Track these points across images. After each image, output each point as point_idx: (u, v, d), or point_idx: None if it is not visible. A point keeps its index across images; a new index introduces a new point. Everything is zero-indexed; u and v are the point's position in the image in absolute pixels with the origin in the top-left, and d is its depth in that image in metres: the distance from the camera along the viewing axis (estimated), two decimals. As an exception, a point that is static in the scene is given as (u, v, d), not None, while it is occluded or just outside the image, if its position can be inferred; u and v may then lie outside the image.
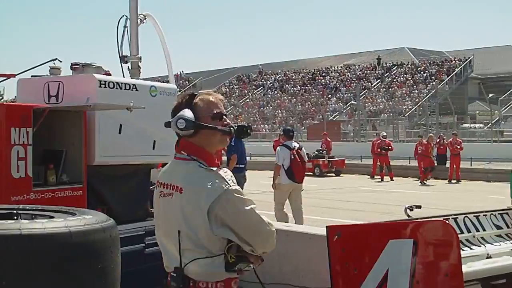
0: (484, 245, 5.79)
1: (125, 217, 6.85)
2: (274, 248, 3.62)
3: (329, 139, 36.42)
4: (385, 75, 64.65)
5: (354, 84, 63.07)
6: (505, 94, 51.59)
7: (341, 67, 71.48)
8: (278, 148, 14.18)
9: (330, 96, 64.29)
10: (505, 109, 50.02)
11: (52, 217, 3.53)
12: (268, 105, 66.83)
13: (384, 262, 4.69)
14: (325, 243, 5.22)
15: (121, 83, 7.22)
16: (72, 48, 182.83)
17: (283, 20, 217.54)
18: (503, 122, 47.63)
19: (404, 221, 5.46)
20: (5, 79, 8.24)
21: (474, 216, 6.00)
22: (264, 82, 74.14)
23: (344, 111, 59.17)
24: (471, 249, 5.68)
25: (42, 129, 6.63)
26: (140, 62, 8.59)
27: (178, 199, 3.44)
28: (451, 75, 59.50)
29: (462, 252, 4.64)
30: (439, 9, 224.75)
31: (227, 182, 3.41)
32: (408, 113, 53.45)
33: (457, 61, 62.29)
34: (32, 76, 7.66)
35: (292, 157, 13.54)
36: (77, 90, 6.96)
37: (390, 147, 31.48)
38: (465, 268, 4.63)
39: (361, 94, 57.72)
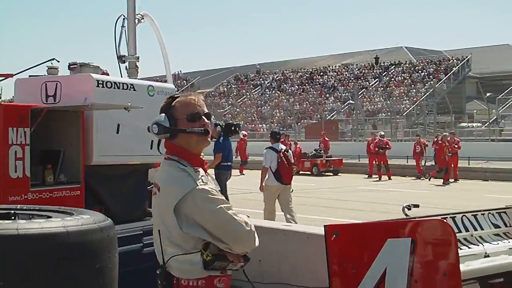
0: (482, 244, 5.79)
1: (123, 217, 6.84)
2: (255, 248, 3.68)
3: (327, 139, 36.46)
4: (383, 74, 64.69)
5: (352, 83, 63.13)
6: (503, 93, 51.65)
7: (339, 66, 71.51)
8: (265, 150, 14.48)
9: (328, 95, 64.32)
10: (502, 108, 50.04)
11: (50, 217, 3.52)
12: (266, 104, 66.86)
13: (382, 261, 4.69)
14: (323, 242, 5.21)
15: (119, 83, 7.21)
16: (70, 48, 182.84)
17: (281, 19, 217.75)
18: (502, 121, 47.65)
19: (402, 220, 5.46)
20: (3, 79, 8.24)
21: (472, 215, 6.00)
22: (262, 81, 74.17)
23: (342, 110, 59.21)
24: (469, 248, 5.68)
25: (40, 129, 6.62)
26: (138, 61, 8.59)
27: (157, 198, 3.59)
28: (448, 74, 59.57)
29: (460, 251, 4.65)
30: (436, 8, 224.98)
31: (196, 182, 3.46)
32: (406, 112, 53.50)
33: (454, 60, 62.36)
34: (29, 76, 7.65)
35: (279, 160, 13.83)
36: (75, 90, 6.96)
37: (388, 146, 31.51)
38: (463, 267, 4.64)
39: (359, 94, 57.75)
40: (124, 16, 8.52)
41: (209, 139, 3.66)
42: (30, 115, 6.48)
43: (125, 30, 8.51)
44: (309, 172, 33.96)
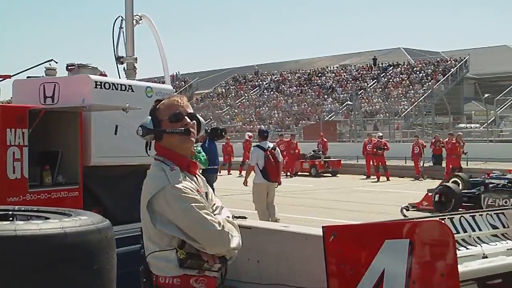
0: (480, 245, 5.80)
1: (121, 218, 6.84)
2: (232, 249, 3.61)
3: (325, 140, 36.48)
4: (381, 75, 64.70)
5: (350, 84, 63.12)
6: (501, 94, 51.63)
7: (337, 67, 71.52)
8: (252, 149, 14.91)
9: (326, 96, 64.32)
10: (500, 109, 50.07)
11: (48, 218, 3.52)
12: (264, 105, 66.85)
13: (380, 262, 4.70)
14: (321, 243, 5.22)
15: (117, 84, 7.22)
16: (68, 49, 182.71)
17: (279, 20, 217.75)
18: (503, 122, 47.69)
19: (400, 221, 5.47)
20: (1, 80, 8.23)
21: (470, 216, 6.01)
22: (260, 82, 74.14)
23: (340, 111, 59.22)
24: (467, 249, 5.69)
25: (38, 130, 6.62)
26: (136, 63, 8.59)
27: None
28: (447, 75, 59.58)
29: (458, 252, 4.65)
30: (434, 10, 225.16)
31: (169, 180, 3.52)
32: (404, 113, 53.52)
33: (452, 61, 62.39)
34: (27, 77, 7.65)
35: (266, 158, 14.04)
36: (73, 91, 6.96)
37: (386, 147, 31.51)
38: (461, 268, 4.64)
39: (357, 95, 57.75)
40: (122, 17, 8.52)
41: (192, 139, 3.71)
42: (28, 116, 6.48)
43: (123, 31, 8.51)
44: (308, 173, 33.97)
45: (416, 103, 54.71)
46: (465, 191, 17.53)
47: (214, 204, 3.78)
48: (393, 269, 4.62)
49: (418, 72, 62.04)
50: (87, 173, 6.99)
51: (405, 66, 64.55)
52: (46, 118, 6.71)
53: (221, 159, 34.50)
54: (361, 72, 67.28)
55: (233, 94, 73.51)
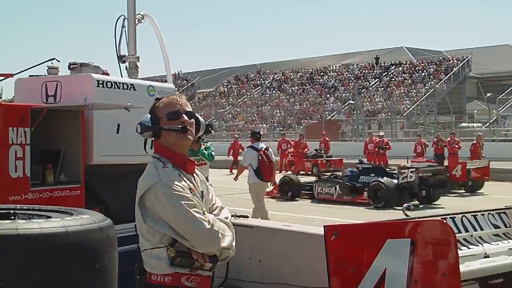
0: (481, 244, 5.79)
1: (123, 216, 6.83)
2: (224, 248, 3.62)
3: (327, 139, 36.47)
4: (383, 74, 64.72)
5: (352, 83, 63.14)
6: (503, 94, 51.69)
7: (339, 66, 71.54)
8: (245, 149, 15.22)
9: (328, 95, 64.36)
10: (503, 108, 50.05)
11: (49, 217, 3.52)
12: (266, 104, 66.89)
13: (382, 261, 4.69)
14: (323, 242, 5.21)
15: (119, 83, 7.22)
16: (70, 47, 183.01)
17: (281, 19, 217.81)
18: (507, 122, 47.65)
19: (402, 220, 5.46)
20: (3, 79, 8.24)
21: (471, 215, 6.00)
22: (262, 81, 74.19)
23: (342, 110, 59.23)
24: (468, 248, 5.68)
25: (40, 128, 6.63)
26: (138, 61, 8.58)
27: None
28: (449, 75, 59.61)
29: (460, 252, 4.65)
30: (437, 9, 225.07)
31: (160, 177, 3.55)
32: (406, 113, 53.50)
33: (455, 61, 62.40)
34: (30, 75, 7.65)
35: (260, 158, 14.36)
36: (75, 90, 6.96)
37: (388, 146, 31.46)
38: (462, 268, 4.64)
39: (359, 94, 57.74)
40: (124, 16, 8.52)
41: (189, 137, 3.73)
42: (30, 115, 6.48)
43: (125, 30, 8.50)
44: (310, 172, 33.95)
45: (418, 102, 54.73)
46: (306, 181, 23.07)
47: (214, 204, 3.78)
48: (394, 269, 4.61)
49: (420, 71, 62.04)
50: (89, 171, 6.99)
51: (408, 65, 64.57)
52: (48, 117, 6.72)
53: (226, 157, 34.60)
54: (363, 71, 67.30)
55: (235, 93, 73.56)
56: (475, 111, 55.97)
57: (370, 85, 63.39)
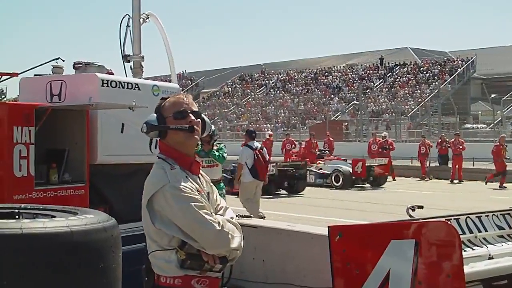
0: (486, 245, 5.78)
1: (127, 216, 6.84)
2: (233, 249, 3.58)
3: (331, 139, 36.41)
4: (388, 75, 64.62)
5: (357, 84, 63.05)
6: (508, 95, 51.61)
7: (343, 67, 71.46)
8: (242, 148, 15.07)
9: (332, 96, 64.29)
10: (507, 109, 49.97)
11: (54, 217, 3.53)
12: (270, 104, 66.84)
13: (386, 262, 4.69)
14: (327, 243, 5.22)
15: (124, 82, 7.22)
16: (75, 47, 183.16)
17: (286, 20, 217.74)
18: (510, 123, 47.62)
19: (406, 221, 5.45)
20: (7, 78, 8.25)
21: (476, 216, 6.00)
22: (267, 81, 74.15)
23: (347, 111, 59.18)
24: (473, 249, 5.68)
25: (44, 128, 6.63)
26: (143, 61, 8.59)
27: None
28: (453, 75, 59.49)
29: (464, 253, 4.64)
30: (441, 9, 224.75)
31: (168, 179, 3.50)
32: (410, 113, 53.44)
33: (459, 61, 62.27)
34: (34, 75, 7.66)
35: (256, 157, 14.41)
36: (80, 89, 6.97)
37: (391, 147, 31.40)
38: (467, 269, 4.63)
39: (363, 94, 57.70)
40: (129, 15, 8.53)
41: (196, 136, 3.69)
42: (35, 114, 6.49)
43: (130, 30, 8.51)
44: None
45: (422, 103, 54.65)
46: None
47: (219, 204, 3.76)
48: (399, 269, 4.61)
49: (425, 72, 61.94)
50: (94, 171, 7.00)
51: (412, 65, 64.45)
52: (53, 116, 6.72)
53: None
54: (368, 71, 67.21)
55: (239, 93, 73.54)
56: (480, 112, 55.89)
57: (375, 85, 63.31)
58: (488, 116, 50.84)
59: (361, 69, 68.61)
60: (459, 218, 5.85)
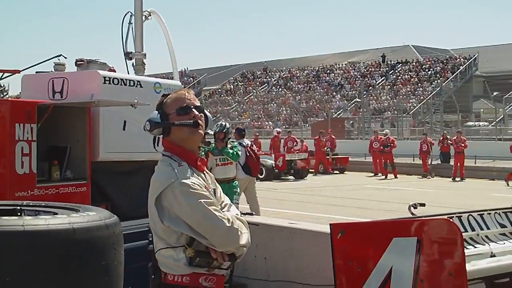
0: (488, 243, 5.77)
1: (129, 213, 6.85)
2: (241, 246, 3.58)
3: (333, 137, 36.42)
4: (390, 72, 64.57)
5: (359, 81, 63.03)
6: (510, 92, 51.52)
7: (345, 64, 71.39)
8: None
9: (334, 93, 64.26)
10: (509, 107, 49.92)
11: (56, 214, 3.52)
12: (272, 102, 66.81)
13: (388, 260, 4.68)
14: (329, 240, 5.21)
15: (126, 80, 7.22)
16: (77, 44, 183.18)
17: (288, 17, 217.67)
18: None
19: (408, 219, 5.44)
20: (9, 75, 8.25)
21: (478, 214, 5.98)
22: (269, 79, 74.10)
23: (349, 108, 59.15)
24: (475, 247, 5.66)
25: (46, 125, 6.63)
26: (145, 58, 8.59)
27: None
28: (455, 73, 59.45)
29: (466, 251, 4.63)
30: (444, 7, 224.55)
31: (177, 175, 3.47)
32: (412, 111, 53.41)
33: (461, 59, 62.24)
34: (36, 72, 7.66)
35: (248, 154, 14.41)
36: (82, 87, 6.97)
37: (392, 144, 31.40)
38: (469, 267, 4.62)
39: (365, 92, 57.67)
40: (131, 13, 8.52)
41: (200, 131, 3.67)
42: (37, 111, 6.49)
43: (132, 27, 8.51)
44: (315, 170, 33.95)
45: (424, 101, 54.60)
46: None
47: (223, 201, 3.74)
48: (401, 267, 4.60)
49: (427, 70, 61.91)
50: (95, 168, 7.00)
51: (414, 63, 64.42)
52: (55, 113, 6.72)
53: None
54: (370, 69, 67.16)
55: (241, 91, 73.50)
56: (482, 110, 55.85)
57: (377, 83, 63.28)
58: (490, 114, 50.76)
59: (363, 67, 68.55)
60: (461, 216, 5.84)
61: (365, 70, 67.25)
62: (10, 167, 6.24)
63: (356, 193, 23.26)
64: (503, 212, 6.16)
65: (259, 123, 59.89)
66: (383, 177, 30.59)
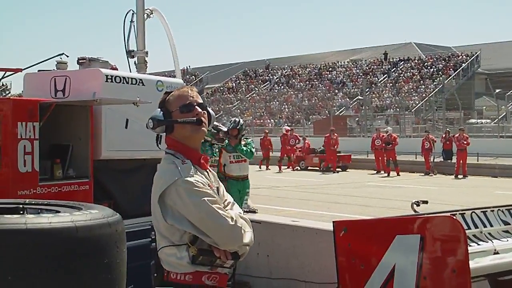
0: (491, 240, 5.75)
1: (132, 211, 6.85)
2: (245, 244, 3.57)
3: (336, 134, 36.39)
4: (392, 70, 64.52)
5: (361, 79, 62.97)
6: (512, 90, 51.43)
7: (347, 62, 71.35)
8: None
9: (336, 91, 64.21)
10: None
11: (58, 212, 3.52)
12: (274, 100, 66.79)
13: (391, 257, 4.68)
14: (331, 238, 5.21)
15: (128, 78, 7.22)
16: (79, 42, 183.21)
17: (290, 14, 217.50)
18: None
19: (411, 216, 5.43)
20: (12, 74, 8.26)
21: (481, 211, 5.97)
22: (271, 77, 74.08)
23: (351, 106, 59.11)
24: (478, 244, 5.64)
25: (48, 123, 6.64)
26: (147, 56, 8.59)
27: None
28: (458, 70, 59.36)
29: (469, 248, 4.62)
30: (446, 4, 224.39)
31: (181, 173, 3.46)
32: (414, 108, 53.37)
33: (464, 56, 62.15)
34: (39, 70, 7.66)
35: None
36: (84, 85, 6.97)
37: (394, 142, 31.36)
38: (472, 264, 4.61)
39: (367, 89, 57.63)
40: (133, 11, 8.53)
41: (204, 129, 3.66)
42: (39, 110, 6.49)
43: (134, 25, 8.52)
44: (318, 168, 33.92)
45: (427, 98, 54.54)
46: None
47: (226, 199, 3.73)
48: (404, 265, 4.60)
49: (429, 67, 61.84)
50: (98, 166, 7.00)
51: (416, 61, 64.33)
52: (57, 112, 6.72)
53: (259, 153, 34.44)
54: (372, 66, 67.11)
55: (243, 88, 73.47)
56: (484, 107, 55.79)
57: (379, 80, 63.23)
58: (492, 111, 50.65)
59: (365, 64, 68.50)
60: (464, 213, 5.82)
61: (367, 68, 67.19)
62: (12, 165, 6.24)
63: (359, 191, 23.24)
64: (506, 209, 6.14)
65: (261, 121, 59.86)
66: (386, 174, 30.58)
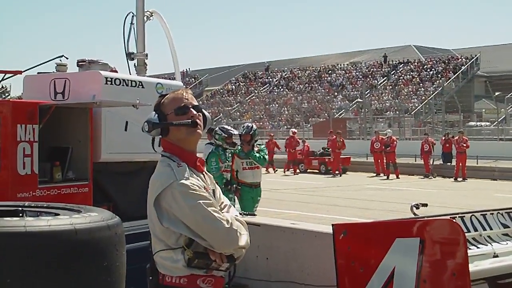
0: (491, 244, 5.75)
1: (131, 214, 6.84)
2: (240, 247, 3.55)
3: (334, 137, 36.37)
4: (391, 72, 64.54)
5: (360, 81, 63.00)
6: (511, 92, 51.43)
7: (347, 64, 71.37)
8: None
9: (336, 93, 64.24)
10: (511, 107, 49.86)
11: (57, 215, 3.52)
12: (274, 102, 66.78)
13: (391, 260, 4.68)
14: (331, 241, 5.20)
15: (128, 80, 7.21)
16: (79, 45, 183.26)
17: (289, 17, 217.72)
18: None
19: (410, 219, 5.43)
20: (11, 76, 8.25)
21: (481, 214, 5.97)
22: (270, 79, 74.10)
23: (350, 108, 59.12)
24: (477, 248, 5.65)
25: (48, 126, 6.63)
26: (147, 59, 8.58)
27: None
28: (457, 73, 59.42)
29: (468, 251, 4.62)
30: (445, 7, 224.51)
31: (176, 176, 3.45)
32: (414, 111, 53.37)
33: (463, 59, 62.21)
34: (38, 73, 7.66)
35: None
36: (83, 87, 6.96)
37: (392, 144, 31.30)
38: (471, 267, 4.61)
39: (367, 92, 57.63)
40: (133, 13, 8.52)
41: (199, 131, 3.65)
42: (38, 112, 6.49)
43: (134, 27, 8.50)
44: (317, 171, 33.91)
45: (426, 101, 54.55)
46: None
47: (223, 202, 3.73)
48: (403, 268, 4.60)
49: (428, 70, 61.88)
50: (97, 169, 6.99)
51: (416, 63, 64.39)
52: (57, 114, 6.72)
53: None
54: (371, 69, 67.15)
55: (243, 91, 73.49)
56: (483, 110, 55.79)
57: (378, 83, 63.25)
58: (492, 114, 50.67)
59: (365, 67, 68.54)
60: (464, 216, 5.83)
61: (367, 70, 67.22)
62: (12, 168, 6.24)
63: (358, 194, 23.24)
64: (505, 212, 6.14)
65: (261, 123, 59.85)
66: (385, 177, 30.56)
